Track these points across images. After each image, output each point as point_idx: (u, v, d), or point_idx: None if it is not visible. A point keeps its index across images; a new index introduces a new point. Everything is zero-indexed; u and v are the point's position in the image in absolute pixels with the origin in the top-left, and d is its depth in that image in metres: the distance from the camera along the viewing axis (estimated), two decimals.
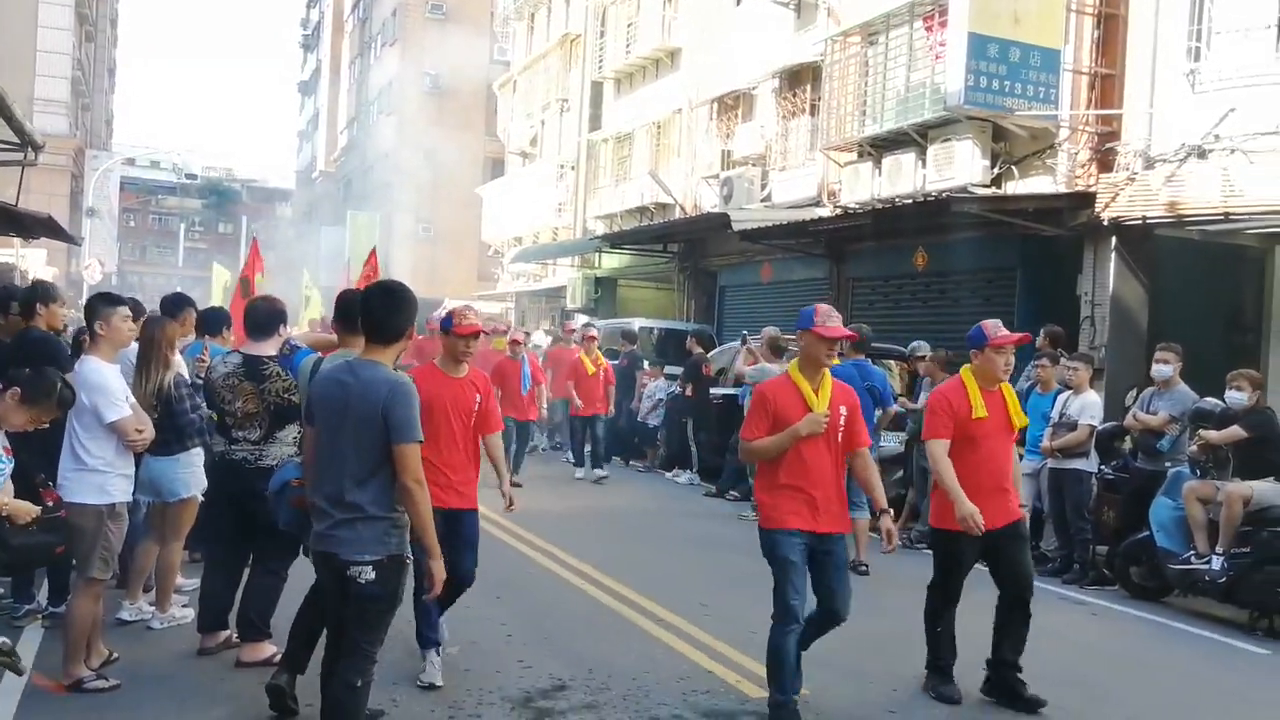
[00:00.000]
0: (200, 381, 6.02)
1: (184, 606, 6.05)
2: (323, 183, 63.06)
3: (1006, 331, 5.36)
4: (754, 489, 5.17)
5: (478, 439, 5.33)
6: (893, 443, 10.39)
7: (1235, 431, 7.38)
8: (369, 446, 3.76)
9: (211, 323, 7.06)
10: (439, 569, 3.89)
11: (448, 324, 5.25)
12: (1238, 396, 7.57)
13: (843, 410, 4.86)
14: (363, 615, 3.83)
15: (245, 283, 14.09)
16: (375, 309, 3.96)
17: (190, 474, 5.81)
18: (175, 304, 6.84)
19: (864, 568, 8.41)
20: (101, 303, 5.22)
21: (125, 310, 5.18)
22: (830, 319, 4.88)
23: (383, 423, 3.73)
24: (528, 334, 17.02)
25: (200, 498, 5.90)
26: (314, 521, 3.90)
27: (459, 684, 5.21)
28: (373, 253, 14.78)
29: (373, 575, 3.74)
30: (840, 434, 4.85)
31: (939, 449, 5.28)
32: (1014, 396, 5.53)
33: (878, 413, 8.93)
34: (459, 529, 5.15)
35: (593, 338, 13.82)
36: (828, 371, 4.93)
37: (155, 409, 5.37)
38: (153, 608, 5.95)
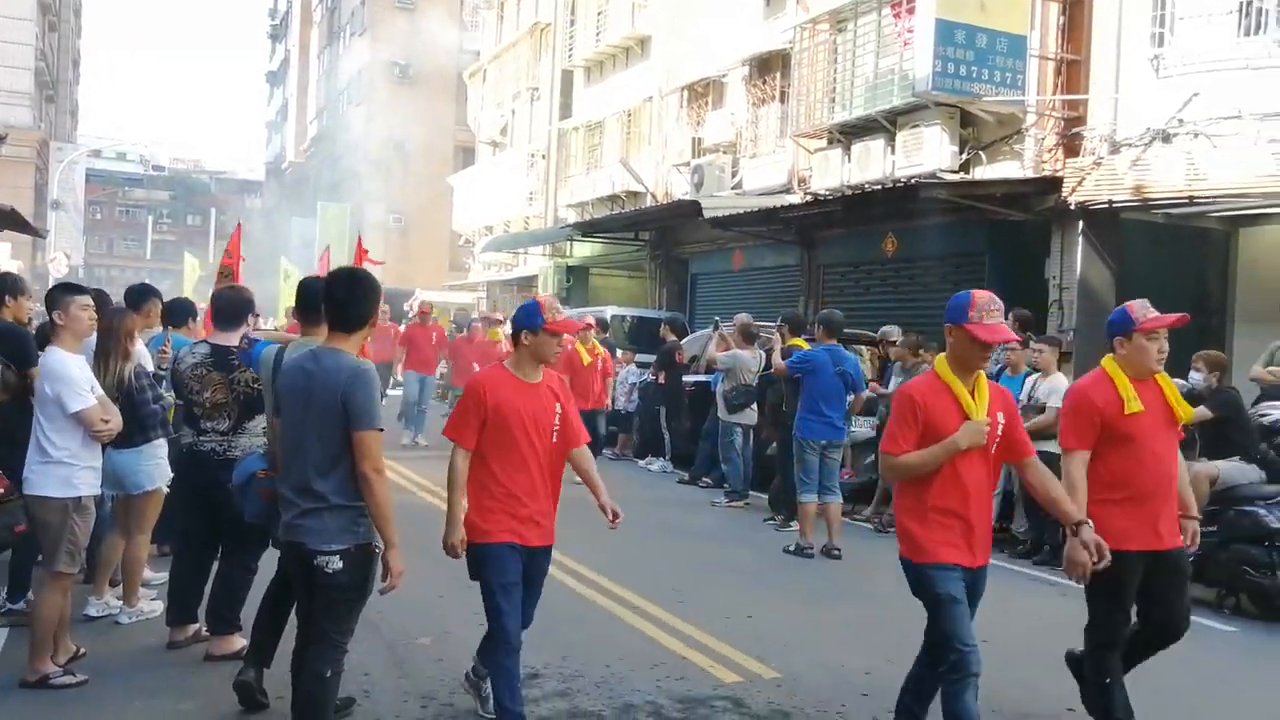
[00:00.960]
0: (163, 373, 5.96)
1: (153, 600, 6.00)
2: (293, 174, 62.54)
3: (1157, 313, 4.49)
4: (895, 513, 4.30)
5: (561, 459, 4.47)
6: (865, 428, 10.44)
7: (1201, 412, 7.46)
8: (331, 435, 3.73)
9: (176, 313, 6.99)
10: (398, 560, 3.82)
11: (532, 319, 4.25)
12: (1196, 377, 7.68)
13: (1000, 417, 4.08)
14: (331, 605, 3.81)
15: (229, 273, 13.80)
16: (338, 297, 3.92)
17: (154, 466, 5.75)
18: (139, 295, 6.76)
19: (836, 552, 8.48)
20: (61, 292, 5.15)
21: (85, 299, 5.10)
22: (989, 314, 4.00)
23: (343, 410, 3.70)
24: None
25: (165, 489, 5.85)
26: (281, 511, 3.87)
27: (431, 673, 5.20)
28: (359, 242, 14.37)
29: (340, 565, 3.72)
30: (996, 445, 4.06)
31: (1076, 465, 4.40)
32: (1173, 386, 4.62)
33: (850, 398, 8.98)
34: (532, 572, 4.37)
35: (589, 325, 12.79)
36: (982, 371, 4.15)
37: (117, 400, 5.32)
38: (120, 602, 5.89)
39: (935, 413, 4.00)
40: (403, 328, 18.72)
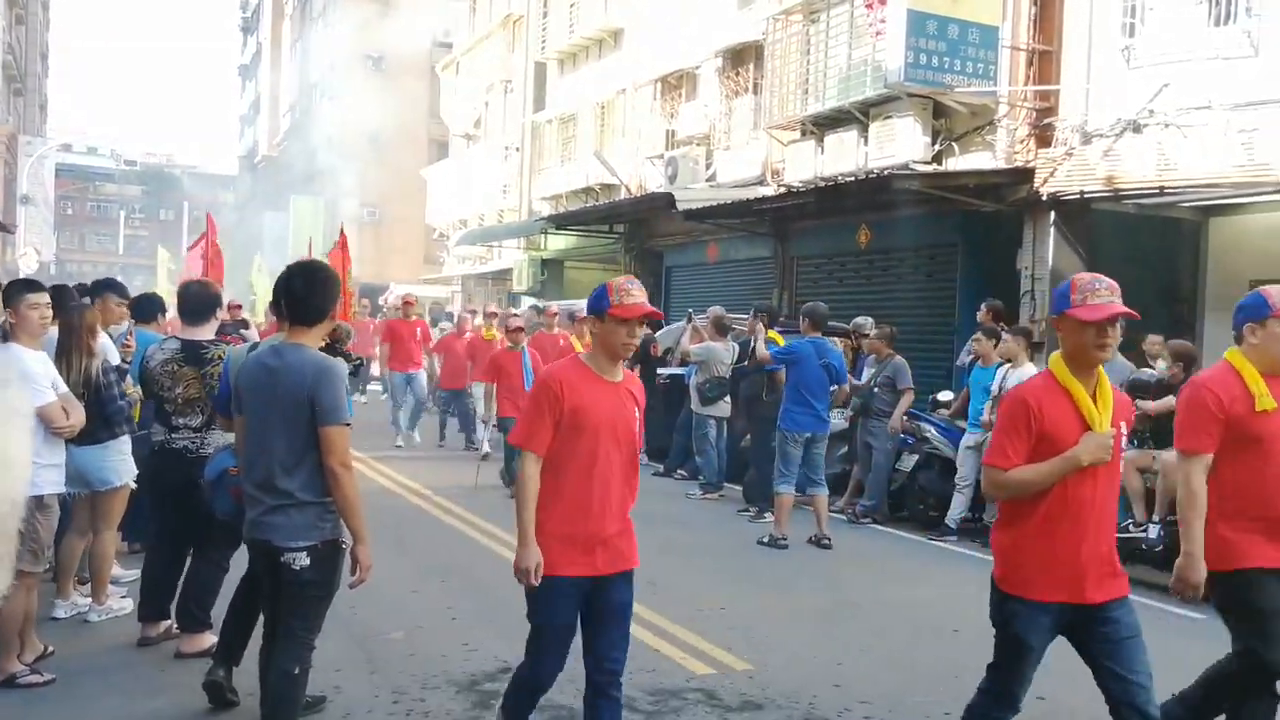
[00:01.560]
0: (126, 367, 5.90)
1: (122, 598, 5.95)
2: (266, 167, 62.03)
3: None
4: (991, 530, 3.80)
5: (636, 471, 3.93)
6: (838, 419, 10.46)
7: (1170, 402, 7.52)
8: (297, 430, 3.70)
9: (144, 309, 6.92)
10: (366, 554, 3.78)
11: (598, 303, 3.73)
12: (1160, 367, 7.77)
13: (1123, 426, 3.59)
14: (299, 603, 3.78)
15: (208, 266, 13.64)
16: (296, 290, 3.87)
17: (121, 461, 5.68)
18: (94, 289, 6.65)
19: (827, 541, 8.52)
20: (14, 290, 5.08)
21: (35, 297, 5.01)
22: (1095, 294, 3.46)
23: (310, 406, 3.67)
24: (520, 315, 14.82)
25: (132, 485, 5.79)
26: (247, 509, 3.83)
27: (403, 668, 5.17)
28: (341, 235, 13.96)
29: (307, 561, 3.69)
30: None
31: (1197, 472, 3.81)
32: None
33: (834, 389, 9.00)
34: (610, 599, 3.76)
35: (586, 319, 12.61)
36: (1103, 371, 3.60)
37: (83, 397, 5.25)
38: (88, 600, 5.83)
39: (1052, 421, 3.44)
40: (378, 320, 18.41)
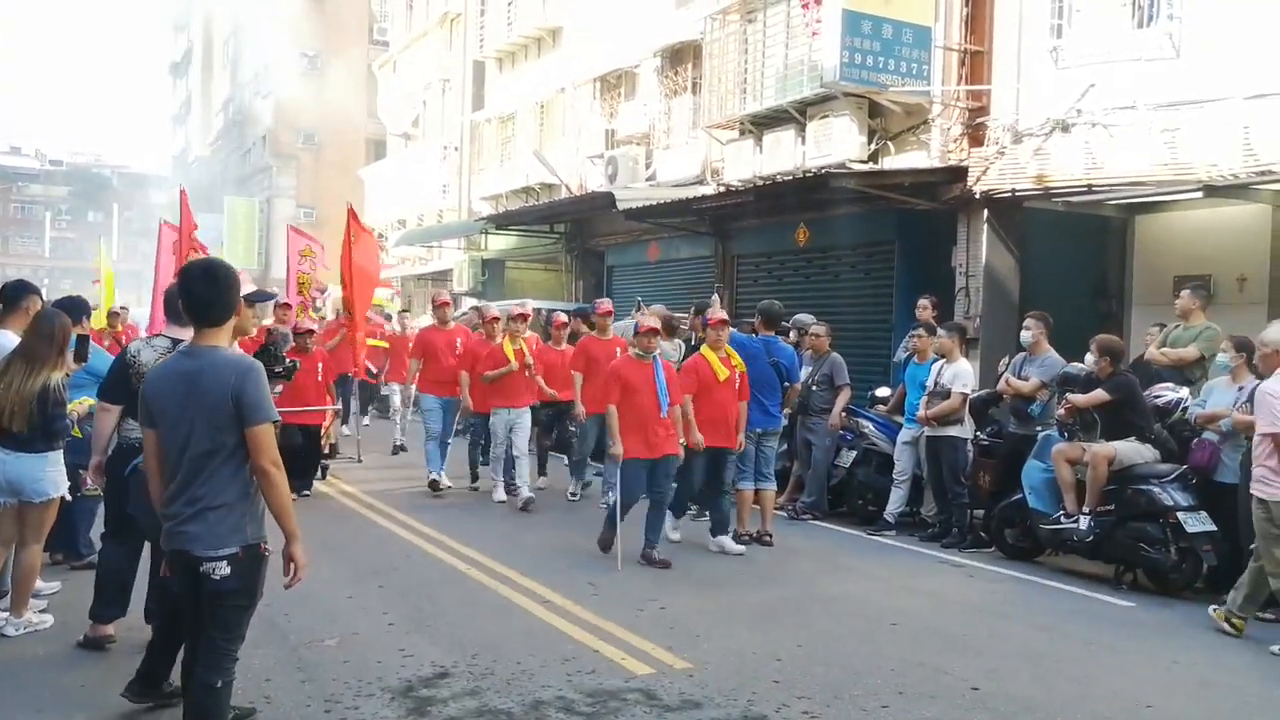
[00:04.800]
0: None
1: (41, 612, 5.76)
2: (199, 168, 60.83)
3: None
4: None
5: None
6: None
7: (1099, 395, 7.66)
8: (218, 433, 3.58)
9: (69, 312, 6.70)
10: (300, 553, 3.70)
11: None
12: (1089, 361, 7.91)
13: None
14: (220, 613, 3.66)
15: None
16: (198, 292, 3.72)
17: (58, 473, 5.58)
18: (16, 292, 6.36)
19: (768, 538, 8.55)
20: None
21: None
22: None
23: (233, 407, 3.57)
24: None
25: (68, 497, 5.70)
26: (163, 520, 3.70)
27: (337, 676, 5.07)
28: (350, 212, 13.08)
29: (228, 570, 3.57)
30: None
31: None
32: None
33: (787, 385, 9.02)
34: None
35: (562, 323, 11.23)
36: None
37: (29, 406, 5.24)
38: (5, 614, 5.64)
39: None
40: (388, 328, 16.46)
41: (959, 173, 11.72)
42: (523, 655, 5.45)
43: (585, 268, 20.16)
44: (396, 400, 14.69)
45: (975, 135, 12.00)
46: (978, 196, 11.52)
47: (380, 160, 34.90)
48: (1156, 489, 7.33)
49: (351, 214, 13.04)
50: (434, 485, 10.58)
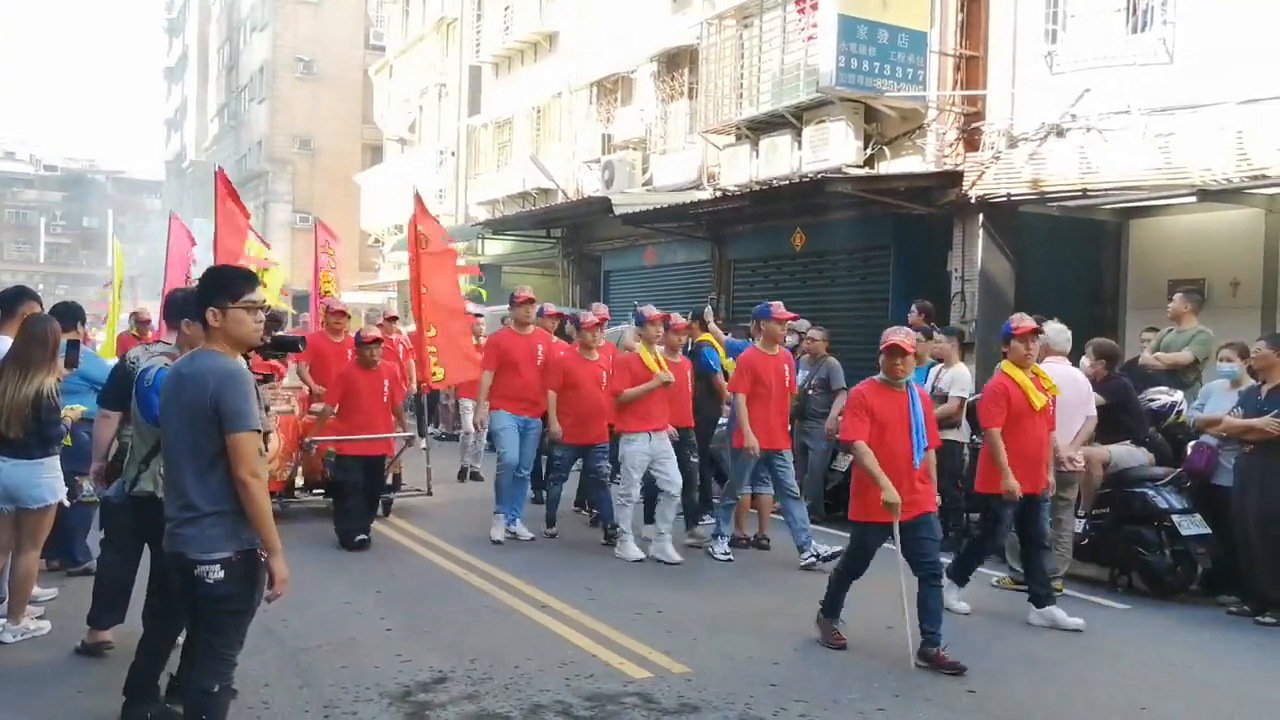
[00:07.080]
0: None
1: (39, 618, 5.76)
2: (194, 173, 60.78)
3: None
4: None
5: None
6: None
7: (1094, 398, 7.67)
8: (205, 439, 3.57)
9: (63, 317, 6.70)
10: (280, 566, 3.66)
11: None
12: (1085, 364, 7.94)
13: None
14: (214, 617, 3.65)
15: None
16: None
17: (55, 479, 5.57)
18: (14, 299, 6.35)
19: (766, 542, 8.57)
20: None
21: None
22: None
23: (214, 413, 3.56)
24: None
25: (66, 504, 5.70)
26: (166, 521, 3.71)
27: (334, 681, 5.07)
28: (416, 199, 10.35)
29: (221, 574, 3.56)
30: None
31: None
32: None
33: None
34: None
35: (555, 315, 10.23)
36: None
37: (24, 412, 5.24)
38: (2, 620, 5.64)
39: None
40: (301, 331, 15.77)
41: (954, 177, 11.75)
42: (520, 660, 5.45)
43: (582, 273, 20.17)
44: (469, 420, 12.06)
45: (970, 140, 12.04)
46: (973, 201, 11.55)
47: (376, 166, 34.90)
48: (1151, 492, 7.35)
49: (418, 200, 10.29)
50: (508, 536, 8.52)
